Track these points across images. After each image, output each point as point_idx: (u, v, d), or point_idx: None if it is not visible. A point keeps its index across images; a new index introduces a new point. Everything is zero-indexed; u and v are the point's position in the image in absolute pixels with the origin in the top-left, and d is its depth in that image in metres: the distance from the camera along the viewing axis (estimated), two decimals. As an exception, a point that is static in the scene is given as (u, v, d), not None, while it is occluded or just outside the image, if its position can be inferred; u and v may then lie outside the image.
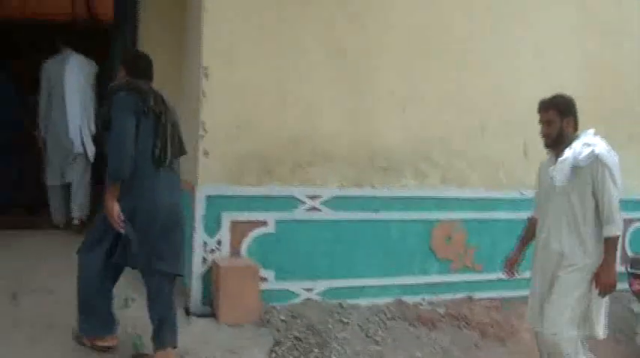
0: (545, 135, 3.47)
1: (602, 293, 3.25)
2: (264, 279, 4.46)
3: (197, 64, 4.52)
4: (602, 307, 3.34)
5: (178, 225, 3.60)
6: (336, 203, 4.68)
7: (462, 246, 5.12)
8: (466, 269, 5.14)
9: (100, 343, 3.66)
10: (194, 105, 4.55)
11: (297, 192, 4.60)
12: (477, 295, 5.17)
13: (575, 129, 3.44)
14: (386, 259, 4.87)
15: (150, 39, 5.68)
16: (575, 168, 3.28)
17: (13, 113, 6.52)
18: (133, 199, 3.42)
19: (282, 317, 4.35)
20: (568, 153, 3.32)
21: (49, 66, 6.07)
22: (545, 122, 3.46)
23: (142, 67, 3.73)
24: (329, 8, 4.74)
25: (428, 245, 5.01)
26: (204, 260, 4.40)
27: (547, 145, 3.49)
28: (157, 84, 5.52)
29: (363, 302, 4.72)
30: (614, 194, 3.22)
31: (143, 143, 3.42)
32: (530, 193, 5.29)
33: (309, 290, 4.66)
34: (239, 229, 4.47)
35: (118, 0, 6.67)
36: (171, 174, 3.55)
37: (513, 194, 5.28)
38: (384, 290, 4.86)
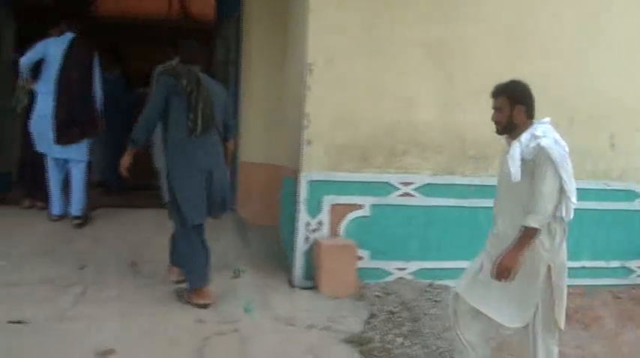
0: (495, 122, 3.33)
1: (497, 275, 3.09)
2: (360, 258, 4.81)
3: (301, 61, 4.91)
4: (563, 300, 3.26)
5: (224, 181, 4.36)
6: (428, 189, 4.97)
7: (548, 234, 5.26)
8: (552, 256, 5.29)
9: (196, 300, 4.21)
10: (298, 99, 4.94)
11: (392, 178, 4.93)
12: (562, 282, 5.31)
13: (529, 117, 3.27)
14: (474, 243, 5.00)
15: (252, 37, 6.12)
16: (524, 161, 3.14)
17: (126, 104, 7.15)
18: (182, 163, 4.16)
19: (377, 293, 4.68)
20: (516, 145, 3.17)
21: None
22: (495, 109, 3.33)
23: (187, 54, 4.42)
24: (425, 7, 5.02)
25: (515, 231, 5.20)
26: (307, 238, 4.81)
27: (498, 132, 3.36)
28: (259, 79, 5.99)
29: (452, 283, 4.96)
30: (549, 188, 3.04)
31: (176, 116, 4.15)
32: (616, 185, 5.44)
33: (401, 269, 4.97)
34: (338, 211, 4.85)
35: (221, 0, 7.15)
36: (208, 141, 4.22)
37: (599, 185, 5.39)
38: (472, 272, 5.09)
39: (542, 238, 3.15)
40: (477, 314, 3.33)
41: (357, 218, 4.87)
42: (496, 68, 5.10)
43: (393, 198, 4.93)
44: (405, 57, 4.97)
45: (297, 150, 4.92)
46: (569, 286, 5.10)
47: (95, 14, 10.28)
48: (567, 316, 4.64)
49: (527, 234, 3.06)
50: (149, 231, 5.46)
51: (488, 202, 5.01)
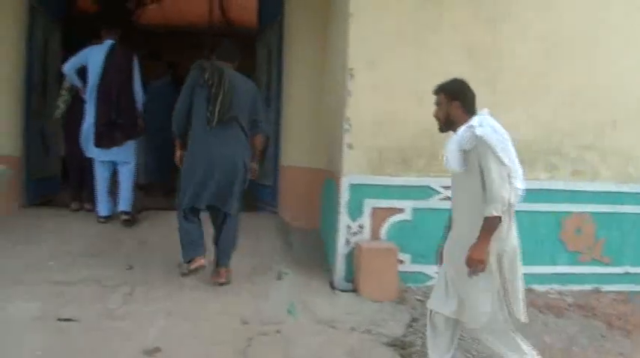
0: (436, 118, 3.43)
1: (470, 271, 3.09)
2: (401, 262, 4.83)
3: (342, 65, 4.96)
4: (518, 290, 3.22)
5: (236, 172, 4.54)
6: (469, 193, 4.95)
7: (591, 239, 5.20)
8: (594, 261, 5.23)
9: (192, 266, 4.55)
10: (339, 103, 5.00)
11: (433, 182, 4.93)
12: (605, 287, 5.23)
13: (468, 112, 3.32)
14: (516, 248, 5.06)
15: (294, 42, 6.24)
16: (465, 153, 3.19)
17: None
18: (193, 150, 4.52)
19: (418, 297, 4.69)
20: (453, 137, 3.26)
21: None
22: (436, 105, 3.43)
23: (220, 51, 4.75)
24: (463, 13, 5.03)
25: (557, 236, 5.14)
26: (348, 241, 4.85)
27: (440, 129, 3.44)
28: (300, 83, 6.07)
29: None
30: (497, 175, 3.05)
31: (198, 107, 4.49)
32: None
33: (442, 273, 4.97)
34: (379, 215, 4.88)
35: (263, 6, 7.24)
36: (225, 133, 4.49)
37: (643, 188, 5.30)
38: (512, 276, 5.05)
39: (476, 225, 3.13)
40: (455, 325, 3.40)
41: (398, 221, 4.89)
42: (536, 70, 5.15)
43: (434, 202, 4.93)
44: (445, 60, 4.97)
45: (338, 154, 4.98)
46: (611, 292, 5.15)
47: (137, 23, 10.49)
48: (609, 323, 4.69)
49: (489, 224, 3.07)
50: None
51: (530, 206, 5.05)
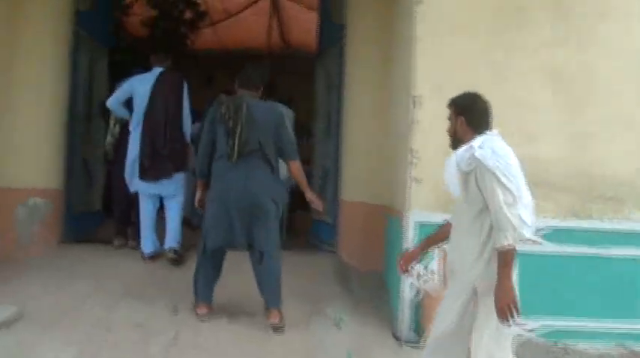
0: (448, 133, 3.22)
1: (502, 316, 2.75)
2: (474, 311, 4.35)
3: (408, 92, 4.61)
4: (481, 342, 2.90)
5: (261, 206, 4.37)
6: (553, 235, 4.42)
7: (698, 289, 4.60)
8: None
9: (197, 310, 4.48)
10: (404, 133, 4.65)
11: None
12: None
13: (475, 131, 3.04)
14: (608, 299, 4.52)
15: (356, 68, 5.96)
16: (464, 175, 2.97)
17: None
18: (214, 187, 4.46)
19: (494, 352, 4.22)
20: (452, 158, 3.05)
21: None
22: (448, 120, 3.23)
23: (240, 79, 4.69)
24: (543, 33, 4.65)
25: (658, 286, 4.57)
26: (415, 288, 4.38)
27: (450, 145, 3.20)
28: (361, 113, 5.76)
29: (582, 345, 4.45)
30: (502, 199, 2.76)
31: (219, 142, 4.42)
32: None
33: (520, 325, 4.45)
34: (450, 258, 4.42)
35: (323, 28, 7.06)
36: (246, 166, 4.36)
37: None
38: (605, 333, 4.51)
39: (465, 251, 2.97)
40: None
41: (472, 266, 4.43)
42: (628, 96, 4.69)
43: (516, 246, 4.45)
44: (524, 86, 4.58)
45: (403, 189, 4.60)
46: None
47: (191, 48, 10.38)
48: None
49: (503, 257, 2.78)
50: (242, 272, 5.18)
51: (623, 250, 4.54)
